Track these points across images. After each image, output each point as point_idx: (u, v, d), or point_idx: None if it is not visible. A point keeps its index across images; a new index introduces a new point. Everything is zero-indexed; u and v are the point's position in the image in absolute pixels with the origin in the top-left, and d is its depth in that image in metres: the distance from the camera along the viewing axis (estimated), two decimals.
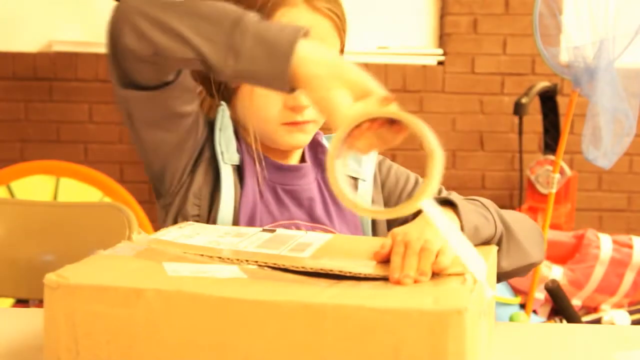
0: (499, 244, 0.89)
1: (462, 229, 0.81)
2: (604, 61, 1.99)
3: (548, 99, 2.87)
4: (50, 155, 2.89)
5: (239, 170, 1.01)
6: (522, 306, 2.46)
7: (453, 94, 3.10)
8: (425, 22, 3.15)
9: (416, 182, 1.07)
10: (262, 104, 0.97)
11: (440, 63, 3.10)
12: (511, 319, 2.24)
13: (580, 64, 2.03)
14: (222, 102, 1.04)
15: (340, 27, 0.98)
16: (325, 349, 0.60)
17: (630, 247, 2.56)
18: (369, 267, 0.72)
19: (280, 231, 0.87)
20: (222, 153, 1.00)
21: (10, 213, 1.35)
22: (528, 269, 0.96)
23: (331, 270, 0.71)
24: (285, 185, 1.02)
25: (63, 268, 0.69)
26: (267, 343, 0.62)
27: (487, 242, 0.87)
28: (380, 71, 3.05)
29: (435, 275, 0.70)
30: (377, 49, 3.09)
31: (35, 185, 2.61)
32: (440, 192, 1.03)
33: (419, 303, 0.61)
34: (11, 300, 2.09)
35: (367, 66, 3.06)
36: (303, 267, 0.72)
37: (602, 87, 2.00)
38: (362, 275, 0.70)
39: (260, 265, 0.73)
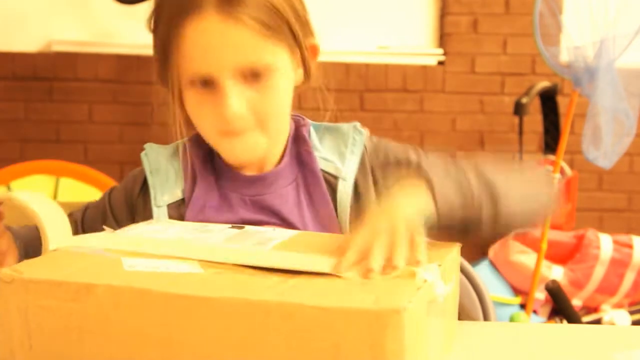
0: (480, 218, 0.87)
1: (437, 213, 0.82)
2: (604, 61, 1.99)
3: (548, 99, 2.87)
4: (50, 155, 2.88)
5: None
6: (523, 306, 2.46)
7: (453, 94, 3.10)
8: (425, 22, 3.15)
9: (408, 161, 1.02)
10: (198, 114, 0.95)
11: (440, 63, 3.11)
12: (511, 319, 2.24)
13: (581, 64, 2.03)
14: (144, 146, 1.04)
15: (268, 35, 0.92)
16: (269, 345, 0.61)
17: (630, 247, 2.56)
18: (325, 264, 0.72)
19: (248, 228, 0.87)
20: (154, 198, 1.00)
21: (10, 213, 1.35)
22: (530, 226, 0.95)
23: (287, 268, 0.71)
24: (254, 196, 1.00)
25: (20, 263, 0.71)
26: (212, 339, 0.62)
27: (466, 221, 0.86)
28: (380, 71, 3.05)
29: (388, 272, 0.69)
30: (377, 49, 3.10)
31: (35, 185, 2.61)
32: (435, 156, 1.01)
33: (359, 302, 0.61)
34: None
35: (367, 66, 3.05)
36: (255, 264, 0.72)
37: (602, 87, 2.00)
38: (314, 271, 0.70)
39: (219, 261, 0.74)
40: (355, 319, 0.59)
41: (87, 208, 1.09)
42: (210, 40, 0.91)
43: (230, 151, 0.98)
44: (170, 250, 0.76)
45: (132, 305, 0.64)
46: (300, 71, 1.01)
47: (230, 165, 1.03)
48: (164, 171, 1.03)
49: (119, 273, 0.69)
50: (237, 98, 0.92)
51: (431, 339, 0.69)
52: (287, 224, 0.98)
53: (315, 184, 1.00)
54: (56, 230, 0.80)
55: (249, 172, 1.03)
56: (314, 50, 1.02)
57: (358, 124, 1.05)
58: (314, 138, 1.04)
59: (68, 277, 0.67)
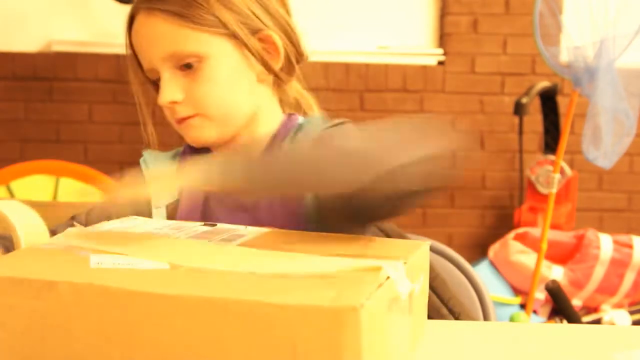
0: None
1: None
2: (604, 61, 1.99)
3: (548, 99, 2.87)
4: (50, 155, 2.89)
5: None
6: (523, 306, 2.46)
7: (453, 94, 3.10)
8: (425, 22, 3.16)
9: None
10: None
11: (440, 63, 3.11)
12: (511, 319, 2.24)
13: (581, 64, 2.03)
14: (143, 153, 1.08)
15: (186, 24, 0.97)
16: (227, 342, 0.61)
17: (630, 247, 2.56)
18: (289, 262, 0.72)
19: (220, 225, 0.87)
20: (153, 201, 1.04)
21: None
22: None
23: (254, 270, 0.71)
24: (229, 200, 1.02)
25: None
26: (172, 335, 0.63)
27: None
28: (380, 71, 3.05)
29: (352, 270, 0.69)
30: (377, 49, 3.10)
31: (35, 185, 2.61)
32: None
33: (317, 299, 0.60)
34: None
35: (367, 66, 3.04)
36: (220, 266, 0.71)
37: (602, 87, 2.00)
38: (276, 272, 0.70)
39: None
40: (312, 316, 0.59)
41: (90, 210, 1.10)
42: (142, 38, 0.99)
43: (187, 136, 1.02)
44: (138, 247, 0.76)
45: (93, 302, 0.64)
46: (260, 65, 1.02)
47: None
48: (162, 174, 1.05)
49: (82, 270, 0.69)
50: (170, 86, 0.98)
51: (394, 337, 0.69)
52: (257, 221, 0.98)
53: None
54: (30, 232, 0.81)
55: None
56: (267, 41, 1.01)
57: (315, 114, 1.05)
58: (292, 134, 1.04)
59: (30, 275, 0.67)
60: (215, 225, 0.87)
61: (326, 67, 3.00)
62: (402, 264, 0.70)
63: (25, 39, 3.00)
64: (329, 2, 3.07)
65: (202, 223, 0.88)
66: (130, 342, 0.64)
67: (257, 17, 1.00)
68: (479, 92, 3.11)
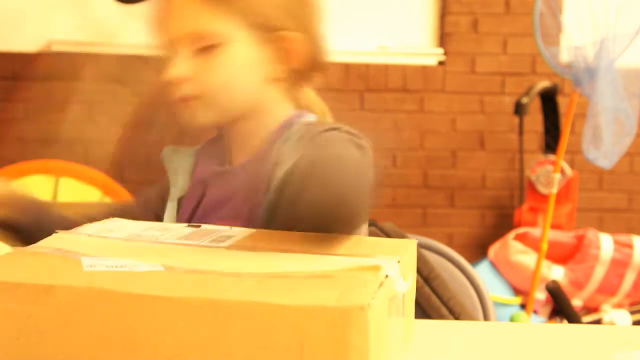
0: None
1: None
2: (604, 61, 1.99)
3: (548, 99, 2.87)
4: (50, 155, 2.88)
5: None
6: (523, 306, 2.46)
7: (453, 94, 3.10)
8: (425, 22, 3.15)
9: None
10: None
11: (440, 63, 3.11)
12: (512, 319, 2.24)
13: (581, 64, 2.03)
14: (163, 149, 1.09)
15: (214, 3, 0.95)
16: (233, 344, 0.61)
17: (630, 247, 2.56)
18: (283, 262, 0.72)
19: (205, 226, 0.86)
20: (171, 194, 1.05)
21: None
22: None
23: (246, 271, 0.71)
24: (217, 190, 1.02)
25: None
26: (175, 339, 0.62)
27: None
28: (380, 71, 3.05)
29: (351, 269, 0.69)
30: (377, 48, 3.10)
31: (35, 185, 2.61)
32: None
33: (323, 299, 0.60)
34: None
35: (367, 66, 3.03)
36: (216, 269, 0.71)
37: (602, 87, 2.00)
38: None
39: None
40: (320, 317, 0.59)
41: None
42: (164, 10, 0.97)
43: (183, 116, 1.00)
44: (129, 249, 0.75)
45: (93, 306, 0.63)
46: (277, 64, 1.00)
47: (225, 155, 1.05)
48: (181, 169, 1.07)
49: (79, 273, 0.68)
50: (181, 63, 0.95)
51: (392, 336, 0.69)
52: (220, 218, 0.97)
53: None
54: None
55: (235, 162, 1.04)
56: (286, 42, 1.00)
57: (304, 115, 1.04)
58: (289, 133, 1.01)
59: (27, 279, 0.66)
60: (200, 226, 0.86)
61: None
62: (397, 263, 0.70)
63: (25, 39, 2.99)
64: (329, 1, 3.07)
65: (187, 224, 0.87)
66: (132, 347, 0.63)
67: (282, 15, 0.99)
68: (479, 92, 3.10)
